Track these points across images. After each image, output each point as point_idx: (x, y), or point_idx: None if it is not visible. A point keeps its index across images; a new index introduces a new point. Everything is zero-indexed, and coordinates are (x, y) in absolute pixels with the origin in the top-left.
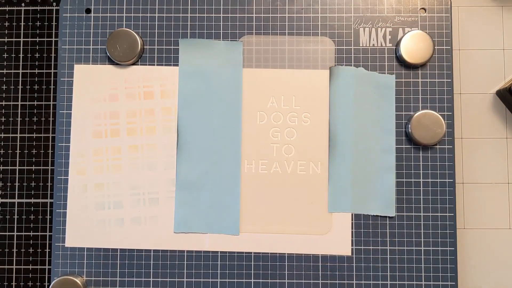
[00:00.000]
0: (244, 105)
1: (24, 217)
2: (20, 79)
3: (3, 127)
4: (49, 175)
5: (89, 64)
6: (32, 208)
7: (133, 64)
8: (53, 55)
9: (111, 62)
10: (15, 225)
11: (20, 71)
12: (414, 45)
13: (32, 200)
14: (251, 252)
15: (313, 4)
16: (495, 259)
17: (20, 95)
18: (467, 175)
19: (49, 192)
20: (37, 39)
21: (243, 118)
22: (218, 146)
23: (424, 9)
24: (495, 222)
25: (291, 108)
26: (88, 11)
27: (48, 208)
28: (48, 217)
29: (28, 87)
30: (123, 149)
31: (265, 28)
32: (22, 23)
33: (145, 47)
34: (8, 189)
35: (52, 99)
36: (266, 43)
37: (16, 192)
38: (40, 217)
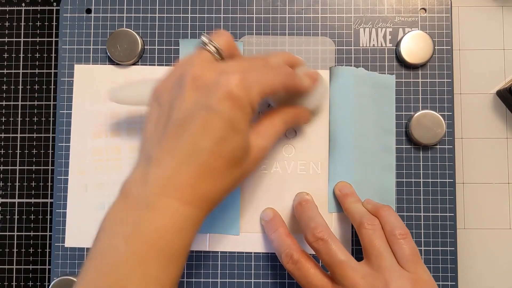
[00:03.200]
0: None
1: (24, 217)
2: (20, 79)
3: (3, 127)
4: (49, 175)
5: (89, 64)
6: (32, 208)
7: (133, 64)
8: (53, 55)
9: (111, 62)
10: (15, 225)
11: (20, 71)
12: (414, 45)
13: (32, 200)
14: (251, 252)
15: (313, 4)
16: (495, 259)
17: (20, 95)
18: (467, 175)
19: (49, 192)
20: (37, 39)
21: None
22: None
23: (424, 9)
24: (495, 222)
25: None
26: (88, 11)
27: (48, 208)
28: (48, 217)
29: (28, 87)
30: (123, 149)
31: (265, 28)
32: (23, 23)
33: (145, 47)
34: (8, 189)
35: (52, 99)
36: (266, 43)
37: (16, 192)
38: (40, 217)
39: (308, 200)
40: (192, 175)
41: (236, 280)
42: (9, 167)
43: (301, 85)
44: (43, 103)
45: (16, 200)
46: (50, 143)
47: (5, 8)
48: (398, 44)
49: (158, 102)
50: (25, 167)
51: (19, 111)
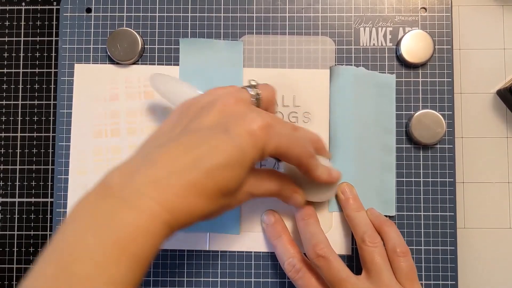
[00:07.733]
0: None
1: (24, 216)
2: (21, 78)
3: (3, 126)
4: (49, 175)
5: (90, 63)
6: (32, 208)
7: (134, 63)
8: (53, 54)
9: (112, 61)
10: (15, 224)
11: (21, 70)
12: (414, 45)
13: (32, 200)
14: (251, 252)
15: (314, 4)
16: (495, 259)
17: (20, 94)
18: (467, 175)
19: (49, 192)
20: (38, 39)
21: None
22: None
23: (425, 8)
24: (495, 221)
25: (291, 107)
26: (88, 10)
27: (48, 208)
28: (48, 216)
29: (28, 86)
30: (123, 149)
31: (265, 28)
32: (23, 23)
33: (145, 46)
34: (9, 189)
35: (53, 99)
36: (266, 42)
37: (16, 191)
38: (40, 216)
39: (310, 215)
40: (182, 187)
41: (236, 280)
42: (9, 167)
43: (314, 170)
44: (43, 102)
45: (16, 200)
46: (50, 143)
47: (5, 8)
48: (398, 44)
49: (183, 112)
50: (25, 167)
51: (19, 110)
